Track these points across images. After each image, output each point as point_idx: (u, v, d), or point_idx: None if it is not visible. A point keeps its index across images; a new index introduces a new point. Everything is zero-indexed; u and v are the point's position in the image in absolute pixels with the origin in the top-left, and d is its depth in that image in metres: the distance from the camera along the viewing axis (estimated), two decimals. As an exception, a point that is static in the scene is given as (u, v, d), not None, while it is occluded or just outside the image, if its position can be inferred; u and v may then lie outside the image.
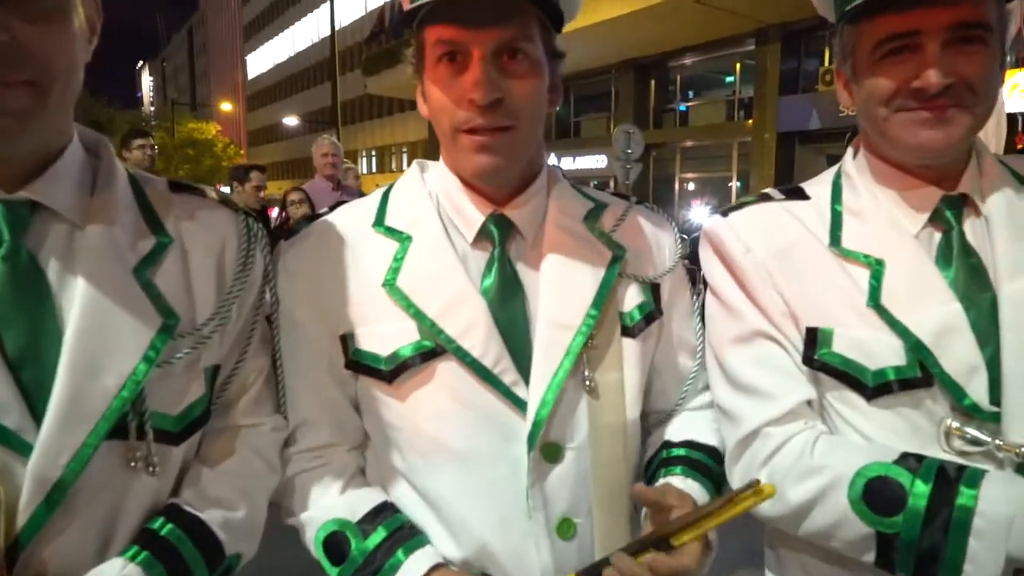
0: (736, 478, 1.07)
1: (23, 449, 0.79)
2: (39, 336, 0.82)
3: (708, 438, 1.15)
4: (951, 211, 1.03)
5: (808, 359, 1.03)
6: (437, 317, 1.01)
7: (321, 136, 5.87)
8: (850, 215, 1.07)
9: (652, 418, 1.21)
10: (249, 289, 1.02)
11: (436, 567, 1.00)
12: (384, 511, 1.06)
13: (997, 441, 0.92)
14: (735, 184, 18.10)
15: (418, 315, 1.01)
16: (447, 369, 1.01)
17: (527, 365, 1.02)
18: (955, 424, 0.95)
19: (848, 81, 1.08)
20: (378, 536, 1.02)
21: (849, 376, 1.00)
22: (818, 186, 1.15)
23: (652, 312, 1.13)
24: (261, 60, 61.69)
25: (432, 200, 1.09)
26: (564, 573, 1.00)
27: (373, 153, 41.15)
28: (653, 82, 19.96)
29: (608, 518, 1.07)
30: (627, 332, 1.09)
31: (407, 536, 1.03)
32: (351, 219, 1.12)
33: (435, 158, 1.17)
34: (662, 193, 18.57)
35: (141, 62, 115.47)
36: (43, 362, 0.81)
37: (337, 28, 20.24)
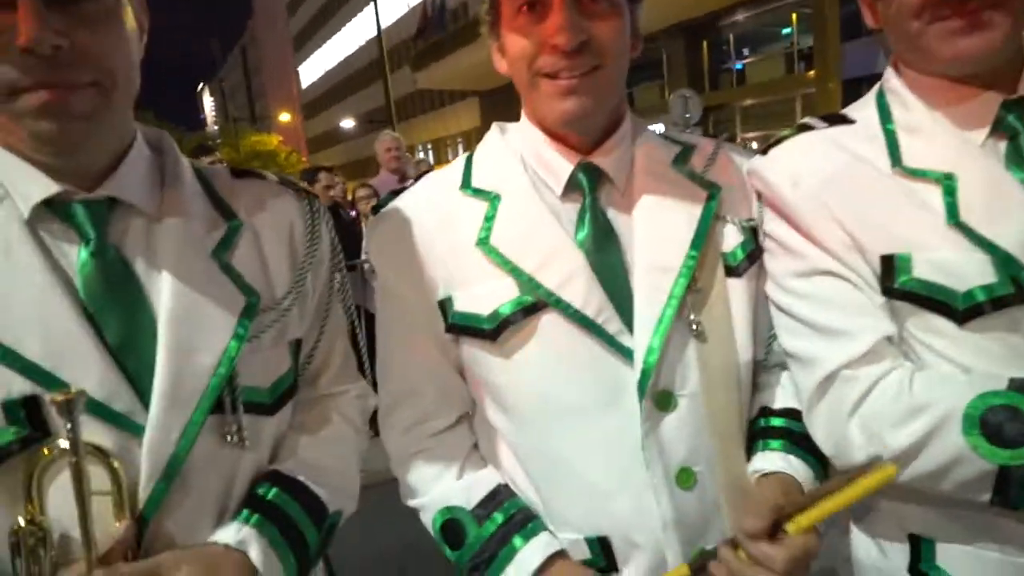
0: (819, 429, 0.99)
1: (136, 430, 0.83)
2: (135, 325, 0.86)
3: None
4: (1014, 116, 0.94)
5: (887, 289, 0.94)
6: (535, 271, 1.00)
7: (383, 132, 5.98)
8: (905, 132, 0.99)
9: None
10: (319, 263, 1.06)
11: (553, 556, 1.00)
12: (499, 495, 1.06)
13: None
14: (801, 139, 17.49)
15: (515, 271, 1.00)
16: (550, 323, 1.00)
17: (630, 313, 0.99)
18: None
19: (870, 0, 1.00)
20: (493, 523, 1.03)
21: (936, 302, 0.91)
22: (862, 109, 1.06)
23: (755, 250, 1.07)
24: (313, 69, 63.09)
25: (517, 157, 1.08)
26: (686, 524, 0.99)
27: (429, 146, 41.56)
28: (705, 43, 19.44)
29: (729, 465, 1.03)
30: (731, 272, 1.05)
31: (522, 522, 1.03)
32: (437, 186, 1.12)
33: None
34: (724, 156, 18.11)
35: (201, 84, 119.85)
36: (142, 348, 0.86)
37: (383, 28, 20.49)
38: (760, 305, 1.09)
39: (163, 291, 0.88)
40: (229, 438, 0.91)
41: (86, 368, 0.82)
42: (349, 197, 6.01)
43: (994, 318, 0.89)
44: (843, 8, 14.74)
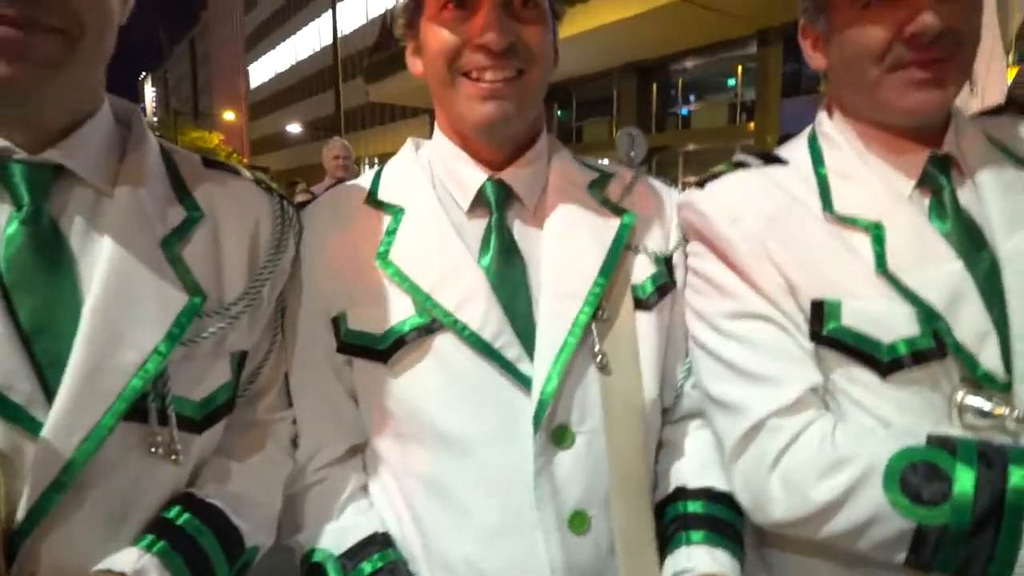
0: (739, 482, 0.96)
1: (32, 427, 0.72)
2: (56, 305, 0.77)
3: (726, 482, 1.02)
4: (940, 171, 0.96)
5: (816, 335, 0.93)
6: (432, 290, 0.95)
7: (332, 139, 5.90)
8: (837, 177, 0.99)
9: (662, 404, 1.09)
10: (281, 273, 0.98)
11: None
12: (371, 544, 0.98)
13: (1017, 413, 0.85)
14: (738, 186, 18.08)
15: (412, 288, 0.95)
16: (445, 345, 0.94)
17: (531, 340, 0.94)
18: (968, 397, 0.88)
19: (819, 39, 1.01)
20: (359, 575, 0.95)
21: (861, 352, 0.91)
22: (793, 151, 1.06)
23: (667, 283, 1.05)
24: (263, 69, 61.90)
25: (426, 171, 1.04)
26: (577, 572, 0.92)
27: (376, 160, 41.19)
28: (655, 85, 19.99)
29: (627, 510, 0.96)
30: (640, 305, 1.01)
31: (391, 572, 0.96)
32: (343, 198, 1.07)
33: None
34: (665, 196, 18.56)
35: (144, 73, 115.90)
36: (59, 333, 0.76)
37: (339, 36, 20.32)
38: (670, 342, 1.05)
39: (96, 274, 0.78)
40: (155, 450, 0.81)
41: None
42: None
43: (915, 372, 0.88)
44: (786, 65, 15.45)
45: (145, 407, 0.80)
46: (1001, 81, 2.58)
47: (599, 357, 0.96)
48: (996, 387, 0.87)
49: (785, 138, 1.13)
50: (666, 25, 14.53)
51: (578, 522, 0.94)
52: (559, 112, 24.38)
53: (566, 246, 1.00)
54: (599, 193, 1.06)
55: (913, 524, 0.82)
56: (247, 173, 1.02)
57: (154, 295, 0.81)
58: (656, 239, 1.06)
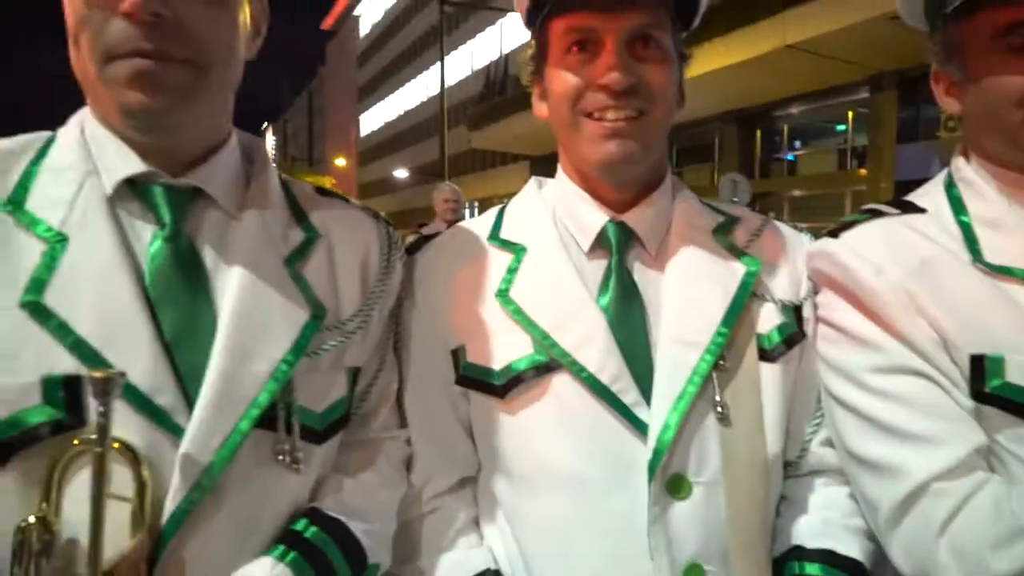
0: (899, 549, 0.89)
1: (175, 431, 0.77)
2: (195, 319, 0.82)
3: (849, 545, 0.96)
4: None
5: (977, 393, 0.87)
6: (551, 329, 0.95)
7: (442, 183, 6.00)
8: (983, 226, 0.94)
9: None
10: (389, 294, 1.02)
11: None
12: None
13: None
14: (848, 235, 17.30)
15: (531, 327, 0.96)
16: (562, 385, 0.95)
17: (649, 386, 0.93)
18: None
19: (953, 84, 0.98)
20: None
21: None
22: (929, 198, 1.02)
23: (794, 334, 1.01)
24: (373, 119, 65.20)
25: (548, 210, 1.05)
26: None
27: (476, 204, 42.24)
28: (759, 132, 19.60)
29: (745, 567, 0.93)
30: (765, 356, 0.99)
31: None
32: (467, 234, 1.09)
33: None
34: (769, 244, 17.99)
35: (265, 124, 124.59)
36: (197, 344, 0.81)
37: (446, 87, 21.17)
38: (797, 396, 1.01)
39: (229, 289, 0.84)
40: (281, 457, 0.84)
41: (135, 354, 0.77)
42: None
43: None
44: (900, 111, 14.80)
45: (274, 416, 0.84)
46: None
47: (719, 408, 0.93)
48: None
49: (901, 185, 1.07)
50: (772, 72, 14.29)
51: (693, 573, 0.91)
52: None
53: (689, 291, 0.98)
54: (724, 238, 1.04)
55: None
56: (356, 202, 1.07)
57: (281, 310, 0.86)
58: (784, 287, 1.03)
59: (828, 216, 18.46)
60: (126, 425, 0.75)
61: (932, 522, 0.85)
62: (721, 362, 0.94)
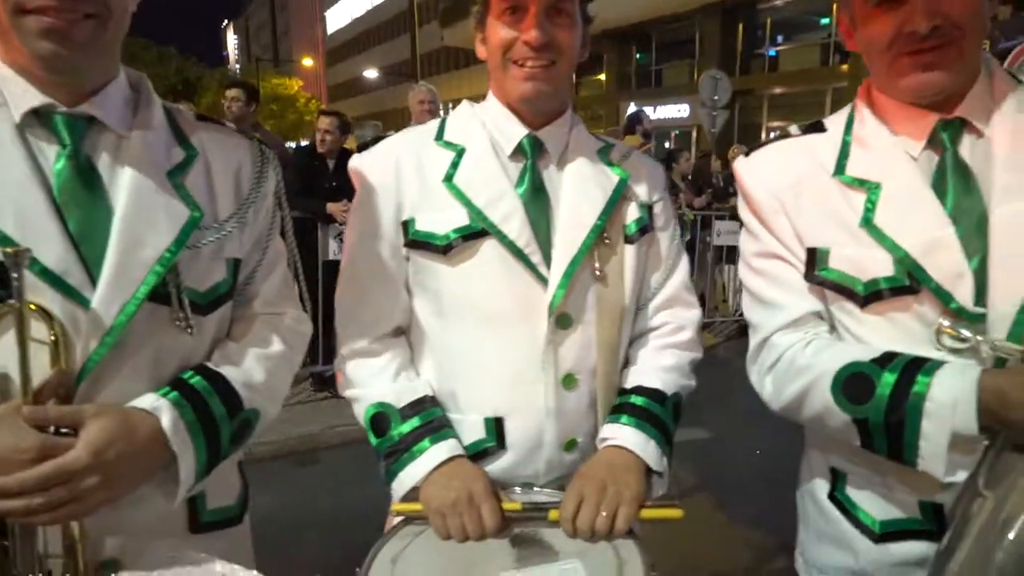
0: (753, 378, 1.29)
1: (84, 302, 0.99)
2: (95, 219, 1.03)
3: (654, 381, 1.36)
4: (946, 133, 1.13)
5: (809, 275, 1.20)
6: (484, 207, 1.28)
7: (418, 84, 5.80)
8: (856, 144, 1.21)
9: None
10: (262, 198, 1.25)
11: (453, 458, 1.27)
12: (424, 403, 1.32)
13: (978, 337, 1.04)
14: (827, 133, 17.16)
15: (469, 205, 1.28)
16: (489, 247, 1.28)
17: (549, 252, 1.30)
18: (945, 323, 1.07)
19: (848, 27, 1.21)
20: (412, 423, 1.30)
21: (844, 288, 1.16)
22: (837, 118, 1.29)
23: (646, 226, 1.40)
24: (340, 15, 62.30)
25: (481, 123, 1.37)
26: (564, 416, 1.31)
27: (450, 105, 41.10)
28: (740, 26, 19.02)
29: (605, 375, 1.34)
30: (628, 240, 1.37)
31: (436, 428, 1.30)
32: (416, 136, 1.42)
33: None
34: (747, 141, 17.74)
35: (226, 21, 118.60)
36: (98, 238, 1.02)
37: (414, -22, 20.07)
38: (648, 267, 1.43)
39: (121, 195, 1.05)
40: (178, 323, 1.08)
41: (49, 246, 0.98)
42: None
43: (891, 302, 1.13)
44: (887, 2, 14.37)
45: (166, 292, 1.07)
46: None
47: (596, 271, 1.32)
48: (969, 317, 1.06)
49: None
50: (756, -41, 13.68)
51: (568, 381, 1.32)
52: (638, 55, 23.63)
53: (579, 190, 1.34)
54: (604, 156, 1.41)
55: (849, 418, 1.11)
56: (231, 125, 1.30)
57: (164, 211, 1.08)
58: (643, 192, 1.42)
59: (807, 114, 18.23)
60: (46, 299, 0.97)
61: (764, 366, 1.25)
62: (600, 240, 1.32)
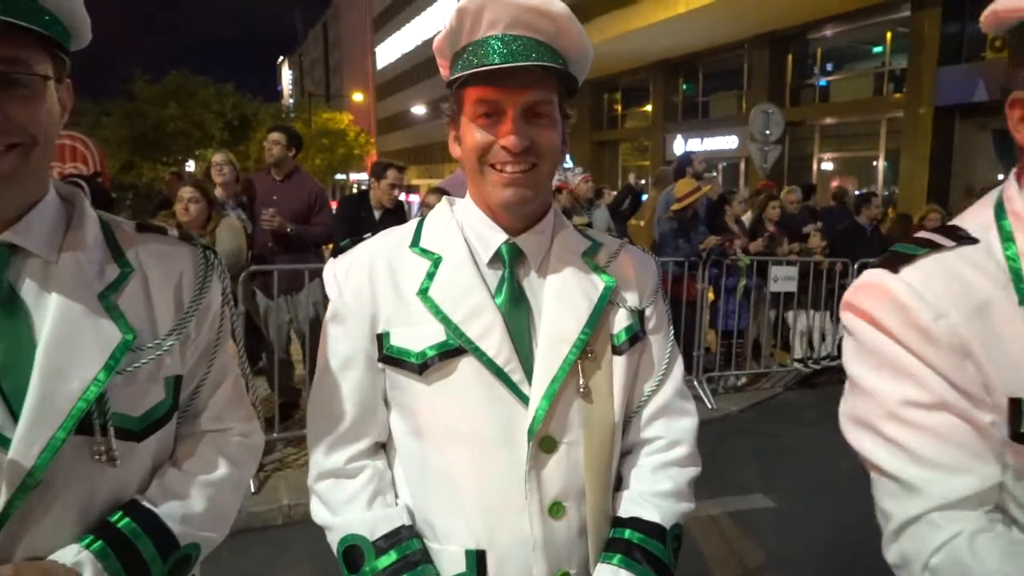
0: (890, 558, 0.99)
1: (3, 443, 0.94)
2: (18, 351, 0.99)
3: (651, 512, 1.26)
4: None
5: (1015, 433, 0.90)
6: (461, 322, 1.21)
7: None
8: None
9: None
10: (206, 309, 1.19)
11: None
12: (400, 534, 1.23)
13: None
14: (882, 164, 16.74)
15: (445, 320, 1.21)
16: (467, 365, 1.21)
17: (530, 369, 1.21)
18: None
19: None
20: (389, 558, 1.21)
21: None
22: (979, 224, 1.01)
23: (637, 333, 1.32)
24: (389, 50, 63.84)
25: (458, 228, 1.30)
26: (553, 548, 1.21)
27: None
28: (790, 56, 18.78)
29: (595, 501, 1.25)
30: (616, 350, 1.29)
31: (413, 563, 1.21)
32: (392, 241, 1.33)
33: None
34: (798, 174, 17.46)
35: (281, 57, 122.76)
36: (21, 372, 0.98)
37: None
38: (638, 378, 1.34)
39: (47, 323, 1.00)
40: (98, 457, 1.01)
41: None
42: (409, 195, 5.91)
43: None
44: (943, 30, 14.00)
45: (91, 423, 1.01)
46: None
47: (581, 388, 1.23)
48: None
49: (941, 110, 1.04)
50: (806, -9, 13.52)
51: (556, 510, 1.22)
52: (685, 86, 23.50)
53: (562, 300, 1.26)
54: (590, 260, 1.33)
55: None
56: (174, 232, 1.25)
57: (93, 336, 1.02)
58: (633, 297, 1.34)
59: (861, 145, 17.84)
60: None
61: (919, 554, 0.93)
62: (585, 354, 1.24)
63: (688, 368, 6.32)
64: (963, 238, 1.00)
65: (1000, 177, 0.99)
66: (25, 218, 1.04)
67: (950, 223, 1.04)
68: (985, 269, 0.96)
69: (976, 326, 0.93)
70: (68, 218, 1.11)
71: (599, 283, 1.30)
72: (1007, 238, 0.96)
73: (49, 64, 1.01)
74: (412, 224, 1.37)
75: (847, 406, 1.05)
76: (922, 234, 1.04)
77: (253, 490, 4.28)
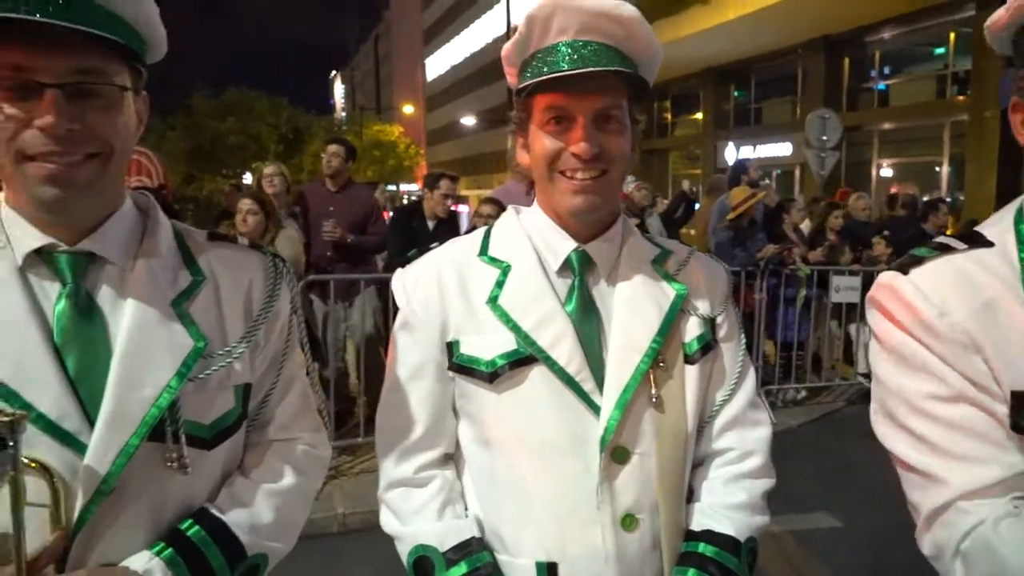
0: (926, 551, 1.00)
1: (80, 449, 0.96)
2: (94, 357, 1.01)
3: (725, 525, 1.23)
4: None
5: (1016, 425, 0.93)
6: (531, 330, 1.19)
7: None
8: None
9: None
10: (275, 318, 1.20)
11: None
12: (470, 546, 1.21)
13: None
14: (945, 169, 16.14)
15: (515, 328, 1.20)
16: (537, 374, 1.19)
17: (602, 378, 1.19)
18: None
19: None
20: (459, 570, 1.19)
21: None
22: (998, 229, 1.03)
23: (709, 342, 1.30)
24: (439, 62, 64.66)
25: (526, 236, 1.29)
26: (625, 561, 1.18)
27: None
28: (846, 60, 18.31)
29: (668, 513, 1.22)
30: (688, 360, 1.27)
31: (485, 575, 1.18)
32: (460, 250, 1.33)
33: None
34: (856, 181, 16.92)
35: (334, 72, 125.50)
36: (97, 378, 1.00)
37: (512, 26, 20.59)
38: (710, 386, 1.31)
39: (122, 331, 1.02)
40: (169, 464, 1.02)
41: (45, 391, 0.96)
42: (459, 206, 5.94)
43: None
44: (1011, 30, 13.43)
45: (163, 430, 1.02)
46: None
47: (653, 398, 1.21)
48: None
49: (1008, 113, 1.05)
50: (864, -8, 13.17)
51: (628, 522, 1.19)
52: (736, 92, 23.14)
53: (632, 308, 1.24)
54: (660, 267, 1.31)
55: None
56: (244, 241, 1.27)
57: (166, 343, 1.04)
58: (704, 305, 1.31)
59: (922, 150, 17.22)
60: (41, 446, 0.95)
61: (949, 540, 0.94)
62: (657, 363, 1.21)
63: (745, 380, 6.18)
64: (978, 242, 1.04)
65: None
66: (103, 227, 1.06)
67: (972, 229, 1.08)
68: (996, 270, 0.99)
69: (982, 323, 0.96)
70: (143, 227, 1.13)
71: (670, 291, 1.27)
72: (1022, 241, 1.00)
73: (127, 75, 1.03)
74: (479, 233, 1.36)
75: (875, 405, 1.08)
76: (940, 239, 1.08)
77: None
